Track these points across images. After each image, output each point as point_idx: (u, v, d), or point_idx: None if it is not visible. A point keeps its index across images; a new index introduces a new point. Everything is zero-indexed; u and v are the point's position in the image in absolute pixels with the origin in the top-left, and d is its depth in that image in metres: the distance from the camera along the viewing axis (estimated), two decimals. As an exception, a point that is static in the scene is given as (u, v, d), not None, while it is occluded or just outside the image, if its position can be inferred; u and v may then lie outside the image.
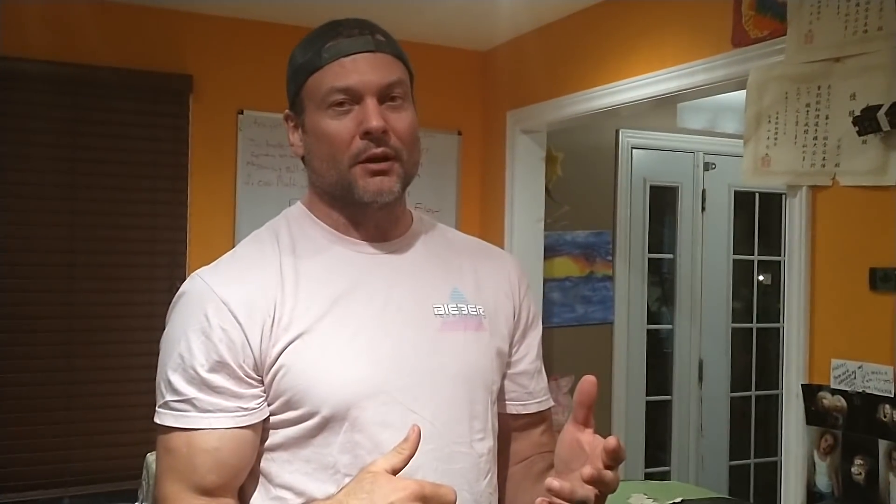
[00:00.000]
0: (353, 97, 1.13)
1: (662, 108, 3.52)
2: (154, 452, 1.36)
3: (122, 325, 3.29)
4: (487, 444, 1.21)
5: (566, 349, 3.88)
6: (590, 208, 4.04)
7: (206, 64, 3.45)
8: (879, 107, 2.08)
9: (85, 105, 3.28)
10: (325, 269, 1.17)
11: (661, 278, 4.38)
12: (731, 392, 4.39)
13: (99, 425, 3.24)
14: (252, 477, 1.13)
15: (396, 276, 1.19)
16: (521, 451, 1.31)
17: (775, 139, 2.39)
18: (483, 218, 3.95)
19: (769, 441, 4.38)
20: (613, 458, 0.99)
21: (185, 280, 1.17)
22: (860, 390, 2.16)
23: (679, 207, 4.27)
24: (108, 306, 3.29)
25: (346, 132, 1.13)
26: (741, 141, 2.52)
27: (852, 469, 2.18)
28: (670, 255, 4.31)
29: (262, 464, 1.13)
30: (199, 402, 1.08)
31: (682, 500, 2.42)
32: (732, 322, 4.39)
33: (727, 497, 3.36)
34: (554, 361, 3.80)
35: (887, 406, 2.09)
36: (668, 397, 4.30)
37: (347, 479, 1.00)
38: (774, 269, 4.42)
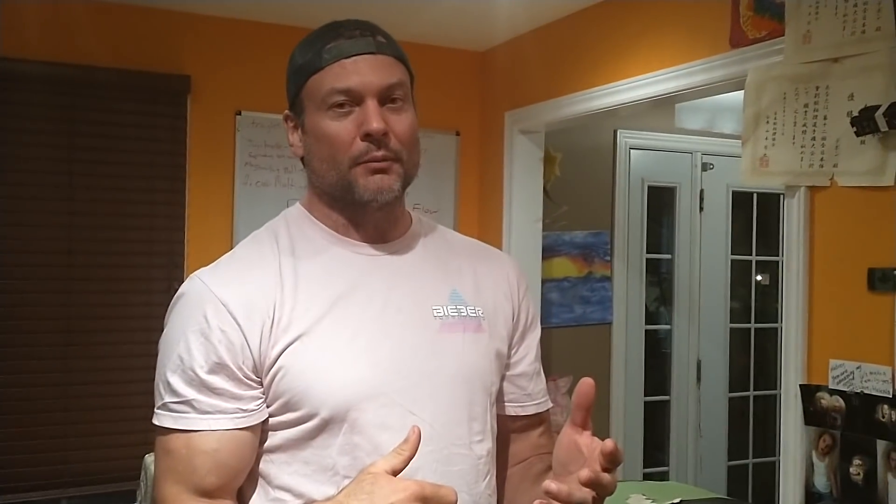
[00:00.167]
0: (354, 99, 1.13)
1: (660, 109, 3.52)
2: (152, 454, 1.36)
3: (119, 325, 3.28)
4: (486, 445, 1.21)
5: (565, 350, 3.88)
6: (588, 209, 4.04)
7: (205, 65, 3.45)
8: (877, 107, 2.08)
9: (83, 106, 3.28)
10: (325, 270, 1.16)
11: (660, 278, 4.38)
12: (730, 392, 4.40)
13: (97, 426, 3.24)
14: (251, 478, 1.13)
15: (396, 277, 1.19)
16: (520, 453, 1.31)
17: (773, 139, 2.39)
18: (481, 218, 3.95)
19: (767, 441, 4.39)
20: (611, 461, 0.99)
21: (183, 281, 1.17)
22: (858, 391, 2.16)
23: (677, 208, 4.28)
24: (106, 307, 3.28)
25: (346, 133, 1.13)
26: (739, 141, 2.52)
27: (851, 469, 2.18)
28: (668, 256, 4.31)
29: (260, 465, 1.13)
30: (198, 404, 1.08)
31: (681, 501, 2.42)
32: (730, 322, 4.40)
33: (726, 497, 3.36)
34: (552, 362, 3.80)
35: (886, 406, 2.09)
36: (666, 397, 4.30)
37: (346, 481, 1.00)
38: (772, 270, 4.42)
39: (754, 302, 4.49)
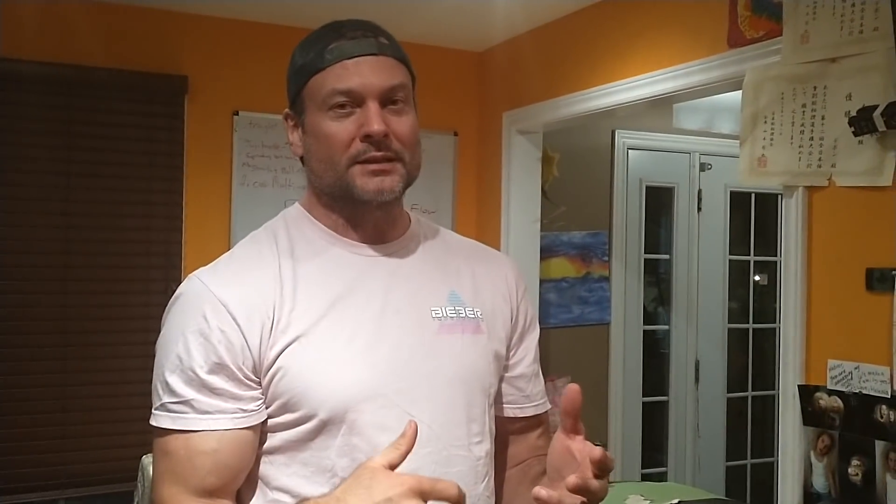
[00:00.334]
0: (355, 100, 1.12)
1: (658, 109, 3.52)
2: (149, 455, 1.36)
3: (117, 326, 3.27)
4: (485, 447, 1.21)
5: (563, 350, 3.88)
6: (586, 209, 4.04)
7: (202, 65, 3.44)
8: (875, 107, 2.08)
9: (80, 106, 3.27)
10: (323, 271, 1.16)
11: (658, 279, 4.38)
12: (728, 393, 4.39)
13: (95, 427, 3.23)
14: (249, 480, 1.12)
15: (394, 278, 1.19)
16: (518, 455, 1.31)
17: (771, 140, 2.39)
18: (479, 219, 3.95)
19: (765, 442, 4.39)
20: (600, 468, 0.99)
21: (180, 281, 1.16)
22: (857, 391, 2.16)
23: (675, 208, 4.27)
24: (104, 308, 3.27)
25: (346, 134, 1.13)
26: (737, 141, 2.52)
27: (849, 470, 2.18)
28: (666, 256, 4.31)
29: (259, 467, 1.12)
30: (197, 404, 1.07)
31: (679, 501, 2.41)
32: (729, 322, 4.39)
33: (724, 498, 3.36)
34: (550, 362, 3.79)
35: (884, 407, 2.09)
36: (664, 398, 4.30)
37: None
38: (770, 270, 4.42)
39: (752, 302, 4.48)
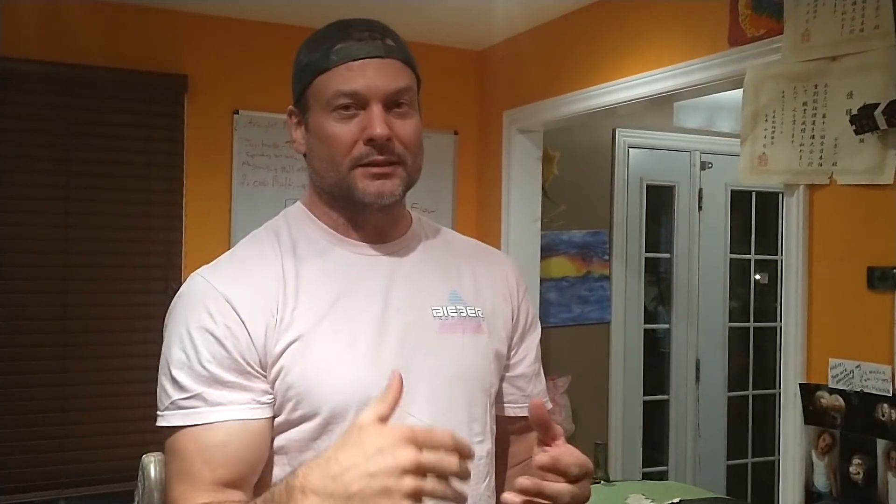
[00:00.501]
0: (359, 102, 1.12)
1: (659, 108, 3.52)
2: (150, 455, 1.35)
3: (117, 325, 3.27)
4: (486, 446, 1.21)
5: (563, 349, 3.88)
6: (586, 208, 4.03)
7: (202, 64, 3.44)
8: (876, 105, 2.08)
9: (79, 105, 3.26)
10: (325, 271, 1.16)
11: (658, 278, 4.38)
12: (729, 392, 4.39)
13: (95, 427, 3.22)
14: (262, 484, 1.11)
15: (395, 278, 1.19)
16: (519, 454, 1.31)
17: (772, 138, 2.39)
18: (479, 218, 3.95)
19: (766, 441, 4.38)
20: (560, 473, 0.99)
21: (180, 280, 1.16)
22: (858, 389, 2.16)
23: (676, 207, 4.27)
24: (103, 307, 3.27)
25: (349, 136, 1.13)
26: (738, 140, 2.51)
27: (850, 469, 2.18)
28: (667, 255, 4.31)
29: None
30: (209, 395, 1.06)
31: (680, 500, 2.41)
32: (729, 321, 4.39)
33: (725, 497, 3.36)
34: (551, 361, 3.79)
35: (885, 405, 2.09)
36: (665, 397, 4.29)
37: None
38: (771, 269, 4.42)
39: (753, 301, 4.48)
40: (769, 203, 4.30)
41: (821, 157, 2.26)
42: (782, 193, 2.43)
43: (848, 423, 2.19)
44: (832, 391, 2.23)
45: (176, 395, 1.08)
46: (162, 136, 3.38)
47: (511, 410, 1.29)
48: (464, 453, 0.88)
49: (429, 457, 0.85)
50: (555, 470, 0.99)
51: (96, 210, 3.28)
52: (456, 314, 1.20)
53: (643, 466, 4.19)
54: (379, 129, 1.11)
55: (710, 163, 4.29)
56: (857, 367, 2.17)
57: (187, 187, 3.42)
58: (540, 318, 1.35)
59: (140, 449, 2.61)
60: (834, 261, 2.27)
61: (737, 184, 4.14)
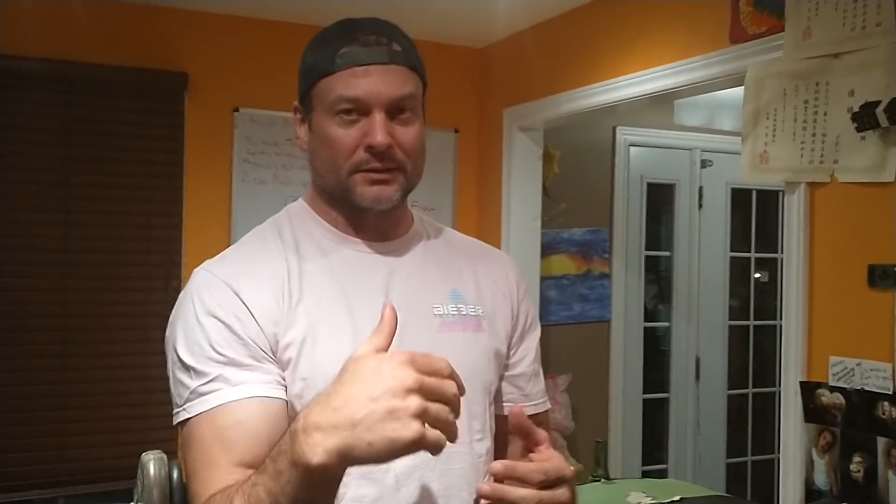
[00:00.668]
0: (361, 108, 1.12)
1: (659, 105, 3.52)
2: (150, 452, 1.35)
3: (117, 323, 3.27)
4: (486, 444, 1.21)
5: (563, 347, 3.88)
6: (587, 206, 4.03)
7: (202, 61, 3.43)
8: (878, 103, 2.08)
9: (80, 103, 3.26)
10: (327, 269, 1.16)
11: (658, 276, 4.38)
12: (729, 390, 4.39)
13: (94, 425, 3.22)
14: None
15: (396, 276, 1.19)
16: (517, 454, 1.30)
17: (773, 136, 2.38)
18: (480, 216, 3.94)
19: (766, 439, 4.38)
20: (519, 480, 0.98)
21: (180, 279, 1.16)
22: (859, 387, 2.16)
23: (676, 205, 4.27)
24: (104, 305, 3.27)
25: (350, 141, 1.13)
26: (738, 138, 2.51)
27: (851, 467, 2.17)
28: (667, 253, 4.30)
29: None
30: (230, 376, 1.05)
31: (681, 499, 2.41)
32: (729, 319, 4.39)
33: (725, 495, 3.36)
34: (551, 359, 3.79)
35: (886, 403, 2.09)
36: (665, 395, 4.29)
37: (349, 478, 0.99)
38: (771, 267, 4.42)
39: (753, 299, 4.48)
40: (769, 201, 4.30)
41: (822, 155, 2.26)
42: (783, 191, 2.43)
43: (848, 421, 2.19)
44: (833, 389, 2.23)
45: (195, 382, 1.06)
46: (162, 133, 3.38)
47: (510, 409, 1.29)
48: (458, 384, 0.86)
49: (430, 380, 0.83)
50: (512, 478, 0.98)
51: (96, 208, 3.28)
52: (456, 312, 1.20)
53: (643, 464, 4.19)
54: (379, 138, 1.11)
55: (710, 161, 4.29)
56: (857, 364, 2.17)
57: (187, 185, 3.41)
58: (540, 316, 1.35)
59: (139, 447, 2.61)
60: (835, 259, 2.27)
61: (737, 182, 4.15)
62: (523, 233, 3.72)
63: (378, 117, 1.12)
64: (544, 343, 1.38)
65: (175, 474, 1.41)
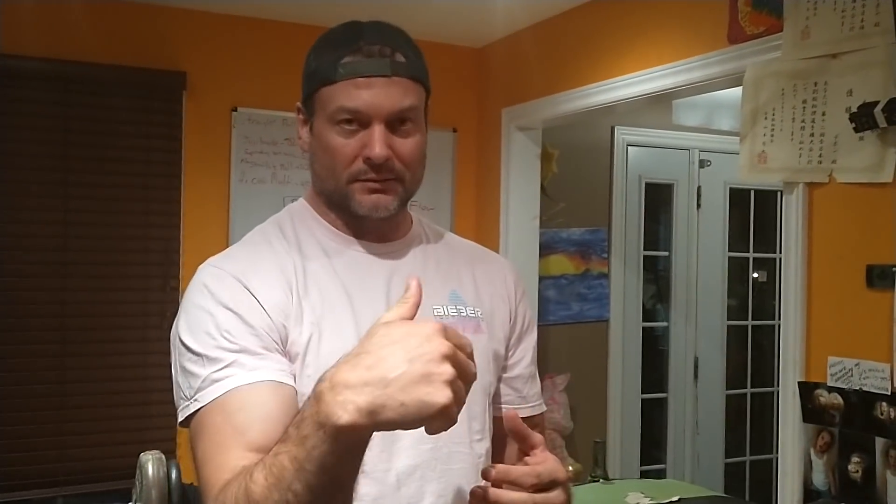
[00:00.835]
0: (361, 120, 1.12)
1: (658, 105, 3.52)
2: (148, 452, 1.35)
3: (115, 323, 3.26)
4: (485, 444, 1.22)
5: (562, 347, 3.88)
6: (585, 205, 4.03)
7: (200, 61, 3.43)
8: (876, 103, 2.08)
9: (78, 102, 3.26)
10: (327, 270, 1.17)
11: (657, 276, 4.38)
12: (727, 390, 4.39)
13: (93, 424, 3.22)
14: None
15: (396, 277, 1.20)
16: (514, 455, 1.31)
17: (772, 136, 2.38)
18: (478, 215, 3.94)
19: (765, 439, 4.39)
20: (512, 484, 0.98)
21: (178, 279, 1.16)
22: (857, 388, 2.16)
23: (674, 204, 4.27)
24: (102, 304, 3.26)
25: (349, 150, 1.13)
26: (737, 138, 2.51)
27: (849, 467, 2.18)
28: (665, 253, 4.31)
29: None
30: (245, 361, 1.03)
31: (679, 499, 2.41)
32: (728, 319, 4.39)
33: (724, 495, 3.36)
34: (549, 359, 3.79)
35: (884, 403, 2.09)
36: (663, 395, 4.30)
37: None
38: (770, 267, 4.42)
39: (751, 299, 4.48)
40: (768, 201, 4.30)
41: (820, 155, 2.26)
42: (781, 191, 2.43)
43: (847, 421, 2.19)
44: (831, 389, 2.23)
45: (208, 370, 1.04)
46: (160, 133, 3.38)
47: (504, 414, 1.29)
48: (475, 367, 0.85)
49: (460, 354, 0.82)
50: (505, 482, 0.99)
51: (95, 207, 3.27)
52: (456, 314, 1.21)
53: (641, 464, 4.19)
54: (377, 151, 1.11)
55: (708, 161, 4.29)
56: (855, 365, 2.17)
57: (186, 184, 3.41)
58: (539, 316, 1.35)
59: (138, 447, 2.62)
60: (833, 259, 2.27)
61: (735, 182, 4.15)
62: (522, 232, 3.72)
63: (377, 130, 1.12)
64: (542, 343, 1.38)
65: (173, 474, 1.42)
